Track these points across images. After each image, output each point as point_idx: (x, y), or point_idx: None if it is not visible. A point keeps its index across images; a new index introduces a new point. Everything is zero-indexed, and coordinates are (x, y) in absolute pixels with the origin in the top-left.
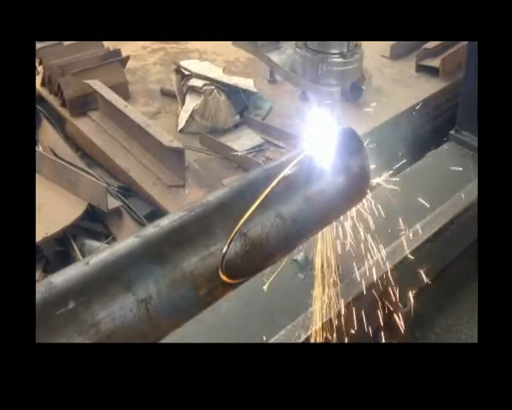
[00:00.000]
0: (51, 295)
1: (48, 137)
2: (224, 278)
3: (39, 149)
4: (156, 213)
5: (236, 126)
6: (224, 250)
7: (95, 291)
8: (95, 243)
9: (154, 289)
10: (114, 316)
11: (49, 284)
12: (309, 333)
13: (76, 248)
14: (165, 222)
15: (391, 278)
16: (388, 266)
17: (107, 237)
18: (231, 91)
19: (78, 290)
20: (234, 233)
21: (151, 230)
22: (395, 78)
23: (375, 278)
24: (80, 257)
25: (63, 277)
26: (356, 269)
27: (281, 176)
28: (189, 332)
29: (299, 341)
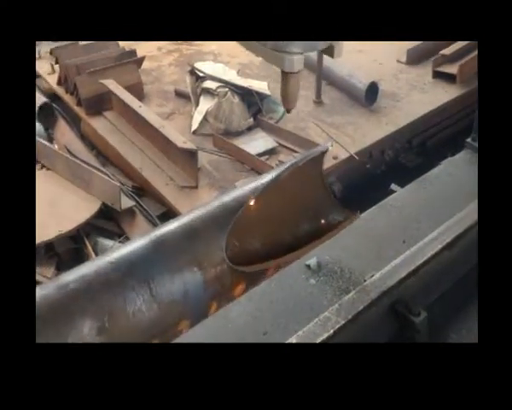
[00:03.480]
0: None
1: (63, 136)
2: (229, 263)
3: (55, 146)
4: (168, 213)
5: (250, 129)
6: (228, 232)
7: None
8: (107, 242)
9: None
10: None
11: (64, 286)
12: (320, 339)
13: (89, 247)
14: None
15: (404, 286)
16: (402, 273)
17: (120, 236)
18: (245, 94)
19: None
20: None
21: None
22: (411, 83)
23: (387, 285)
24: (93, 255)
25: (74, 275)
26: (369, 275)
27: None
28: (198, 336)
29: None
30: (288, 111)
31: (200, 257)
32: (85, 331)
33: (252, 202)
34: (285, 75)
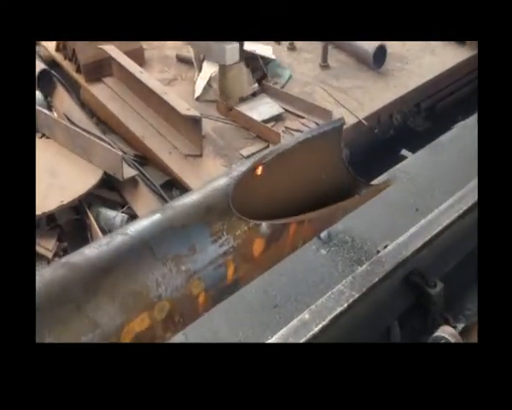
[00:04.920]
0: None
1: (62, 103)
2: (236, 213)
3: (54, 114)
4: (172, 182)
5: (254, 95)
6: (235, 179)
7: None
8: (110, 212)
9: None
10: None
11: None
12: (334, 314)
13: (91, 217)
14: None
15: (420, 257)
16: (418, 243)
17: (123, 206)
18: (249, 59)
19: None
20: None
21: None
22: (420, 45)
23: (403, 256)
24: (95, 226)
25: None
26: (382, 246)
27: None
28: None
29: (324, 322)
30: (230, 110)
31: (204, 213)
32: (79, 296)
33: (258, 168)
34: (221, 67)
